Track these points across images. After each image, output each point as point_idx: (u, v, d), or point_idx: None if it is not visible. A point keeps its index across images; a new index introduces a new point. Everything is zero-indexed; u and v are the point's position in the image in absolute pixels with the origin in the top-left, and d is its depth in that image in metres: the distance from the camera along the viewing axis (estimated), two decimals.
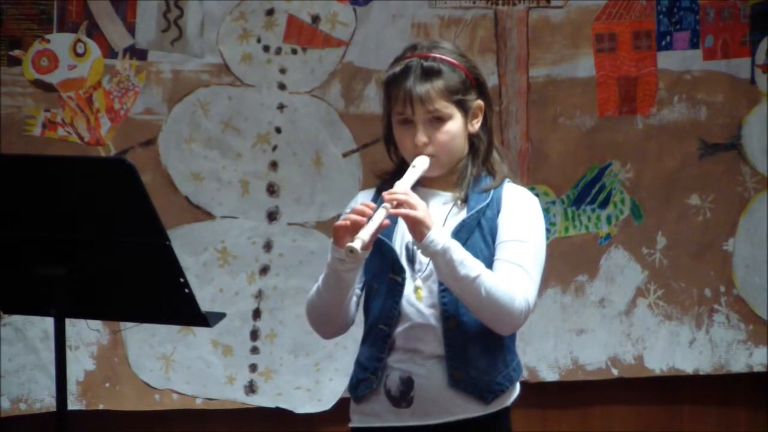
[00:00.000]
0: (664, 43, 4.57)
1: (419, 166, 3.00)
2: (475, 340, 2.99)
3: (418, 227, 2.90)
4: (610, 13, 4.54)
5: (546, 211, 4.53)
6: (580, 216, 4.59)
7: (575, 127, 4.56)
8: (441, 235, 2.90)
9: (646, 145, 4.59)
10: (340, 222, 2.91)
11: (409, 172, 2.99)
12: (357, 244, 2.83)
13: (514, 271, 2.96)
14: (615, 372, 4.62)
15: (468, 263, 2.90)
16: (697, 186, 4.62)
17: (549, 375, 4.59)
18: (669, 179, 4.61)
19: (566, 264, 4.58)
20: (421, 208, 2.90)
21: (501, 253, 2.99)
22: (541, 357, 4.57)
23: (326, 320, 3.09)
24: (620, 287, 4.62)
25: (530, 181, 4.52)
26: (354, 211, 2.91)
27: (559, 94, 4.54)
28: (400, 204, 2.90)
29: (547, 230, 4.50)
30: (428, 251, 2.91)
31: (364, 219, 2.87)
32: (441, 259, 2.90)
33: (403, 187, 2.94)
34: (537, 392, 4.54)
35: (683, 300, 4.65)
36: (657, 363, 4.63)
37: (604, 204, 4.60)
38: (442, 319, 2.99)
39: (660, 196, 4.61)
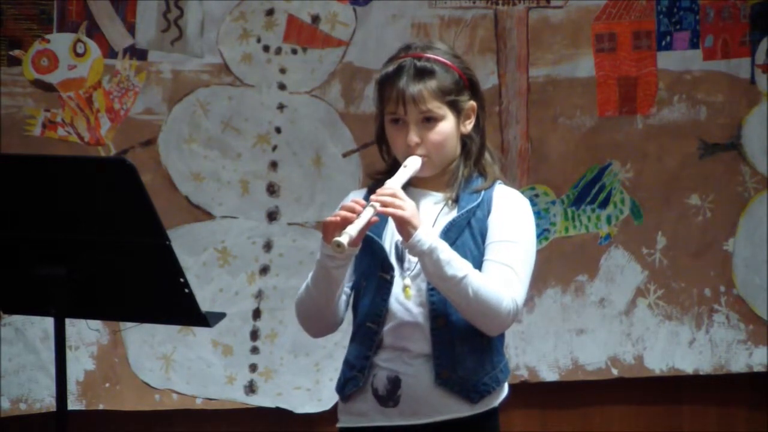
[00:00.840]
0: (664, 43, 4.57)
1: (411, 166, 3.00)
2: (463, 339, 2.99)
3: (405, 227, 2.90)
4: (610, 13, 4.54)
5: (546, 211, 4.53)
6: (580, 216, 4.59)
7: (575, 127, 4.56)
8: (428, 234, 2.91)
9: (646, 145, 4.59)
10: (329, 218, 2.92)
11: (400, 171, 2.99)
12: (344, 239, 2.84)
13: (502, 271, 2.96)
14: (615, 372, 4.61)
15: (455, 263, 2.91)
16: (697, 186, 4.62)
17: (549, 375, 4.59)
18: (669, 179, 4.61)
19: (566, 264, 4.58)
20: (408, 208, 2.90)
21: (490, 253, 2.99)
22: (541, 357, 4.57)
23: (315, 318, 3.09)
24: (620, 287, 4.62)
25: (530, 181, 4.52)
26: (344, 208, 2.92)
27: (559, 94, 4.53)
28: (387, 203, 2.90)
29: (547, 230, 4.51)
30: (415, 251, 2.91)
31: (354, 215, 2.88)
32: (428, 258, 2.90)
33: (392, 185, 2.94)
34: (537, 392, 4.54)
35: (683, 300, 4.64)
36: (657, 363, 4.63)
37: (604, 204, 4.60)
38: (430, 318, 2.99)
39: (660, 196, 4.61)
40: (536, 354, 4.57)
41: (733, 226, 4.65)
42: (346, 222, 2.88)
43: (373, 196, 2.92)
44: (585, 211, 4.59)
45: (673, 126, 4.59)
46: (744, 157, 4.63)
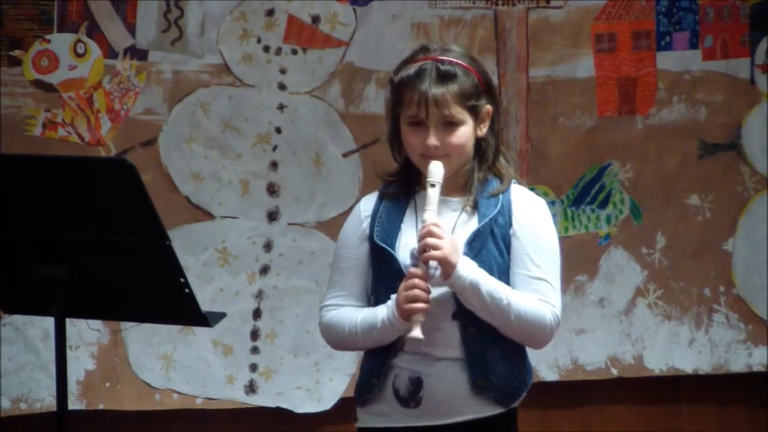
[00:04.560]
0: (663, 43, 4.57)
1: (435, 176, 2.96)
2: (493, 344, 3.00)
3: (444, 265, 2.92)
4: (609, 13, 4.54)
5: None
6: (579, 216, 4.59)
7: (575, 127, 4.56)
8: (468, 269, 2.92)
9: (645, 145, 4.59)
10: (412, 306, 2.90)
11: (430, 194, 2.96)
12: (419, 332, 2.90)
13: (538, 286, 2.99)
14: (615, 372, 4.62)
15: (496, 294, 2.93)
16: (697, 186, 4.63)
17: (549, 375, 4.59)
18: (669, 179, 4.61)
19: (566, 264, 4.50)
20: (445, 246, 2.90)
21: (522, 266, 3.00)
22: (541, 357, 4.57)
23: (347, 349, 3.15)
24: (620, 287, 4.62)
25: (530, 181, 4.51)
26: (419, 298, 2.90)
27: (559, 94, 4.54)
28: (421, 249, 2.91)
29: None
30: (456, 287, 2.93)
31: (426, 306, 2.90)
32: (469, 293, 2.93)
33: (429, 218, 2.93)
34: (537, 392, 4.51)
35: (683, 300, 4.65)
36: (657, 363, 4.63)
37: (603, 204, 4.60)
38: (460, 328, 2.99)
39: (660, 196, 4.62)
40: (536, 354, 4.53)
41: (733, 226, 4.65)
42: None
43: (416, 248, 2.93)
44: (585, 211, 4.60)
45: (672, 126, 4.60)
46: (744, 157, 4.64)
